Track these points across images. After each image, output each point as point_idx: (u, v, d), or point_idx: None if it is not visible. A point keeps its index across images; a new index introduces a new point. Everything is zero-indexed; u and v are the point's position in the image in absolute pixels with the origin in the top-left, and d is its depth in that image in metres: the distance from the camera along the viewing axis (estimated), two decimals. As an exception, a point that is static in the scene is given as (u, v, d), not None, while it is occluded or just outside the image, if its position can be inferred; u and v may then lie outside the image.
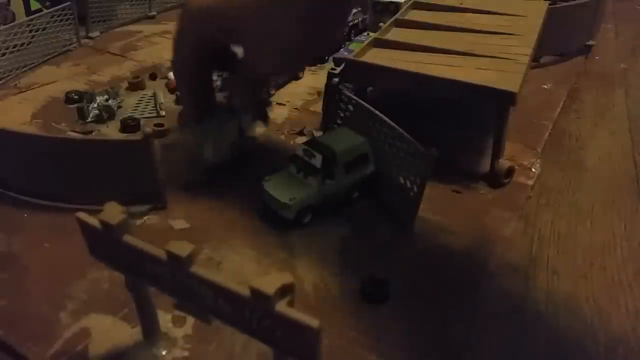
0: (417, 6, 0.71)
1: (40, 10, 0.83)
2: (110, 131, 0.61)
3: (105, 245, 0.31)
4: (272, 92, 0.67)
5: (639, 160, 0.60)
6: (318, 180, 0.47)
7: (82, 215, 0.31)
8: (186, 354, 0.36)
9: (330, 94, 0.56)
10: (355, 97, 0.53)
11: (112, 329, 0.38)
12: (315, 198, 0.47)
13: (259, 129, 0.59)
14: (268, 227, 0.48)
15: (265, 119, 0.59)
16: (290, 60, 0.51)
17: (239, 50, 0.52)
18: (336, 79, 0.54)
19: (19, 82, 0.73)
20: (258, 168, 0.55)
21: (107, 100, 0.65)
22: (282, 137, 0.61)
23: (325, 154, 0.47)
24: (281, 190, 0.47)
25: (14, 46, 0.74)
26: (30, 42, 0.77)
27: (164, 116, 0.65)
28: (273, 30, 0.46)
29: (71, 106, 0.66)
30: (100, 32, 0.88)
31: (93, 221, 0.31)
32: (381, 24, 0.66)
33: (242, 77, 0.52)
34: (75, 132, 0.61)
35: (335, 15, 0.49)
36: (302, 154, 0.48)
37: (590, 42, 0.85)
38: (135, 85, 0.70)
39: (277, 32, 0.46)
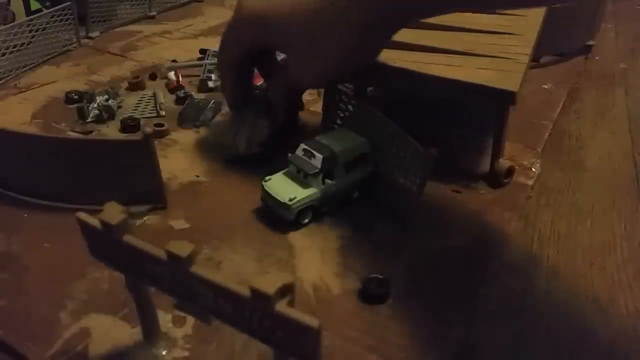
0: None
1: (40, 10, 0.83)
2: (110, 131, 0.61)
3: (106, 245, 0.31)
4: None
5: (639, 160, 0.60)
6: (318, 180, 0.47)
7: (82, 215, 0.31)
8: (186, 354, 0.36)
9: (331, 94, 0.56)
10: (356, 97, 0.53)
11: (112, 329, 0.38)
12: (315, 198, 0.47)
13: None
14: (268, 227, 0.48)
15: (295, 123, 0.62)
16: (330, 75, 0.52)
17: (281, 56, 0.55)
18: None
19: (19, 82, 0.73)
20: (258, 168, 0.55)
21: (107, 100, 0.65)
22: (282, 136, 0.61)
23: (325, 154, 0.47)
24: (281, 190, 0.47)
25: (14, 46, 0.74)
26: (30, 42, 0.77)
27: (164, 116, 0.65)
28: (317, 47, 0.48)
29: (71, 106, 0.66)
30: (100, 32, 0.88)
31: (93, 221, 0.31)
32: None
33: (280, 82, 0.55)
34: (75, 132, 0.61)
35: (379, 33, 0.49)
36: (302, 154, 0.48)
37: (590, 42, 0.85)
38: (135, 85, 0.70)
39: (321, 49, 0.48)
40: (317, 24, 0.47)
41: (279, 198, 0.46)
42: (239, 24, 0.52)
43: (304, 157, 0.48)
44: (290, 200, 0.46)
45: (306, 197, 0.47)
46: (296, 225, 0.47)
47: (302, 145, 0.49)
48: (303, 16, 0.47)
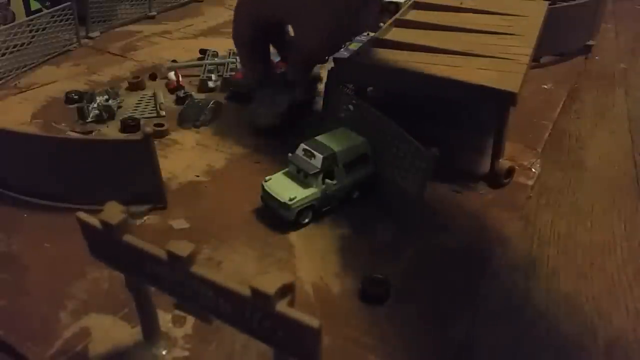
0: (417, 6, 0.70)
1: (40, 10, 0.83)
2: (110, 131, 0.61)
3: (106, 245, 0.31)
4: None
5: (639, 160, 0.60)
6: (318, 180, 0.47)
7: (82, 215, 0.31)
8: (186, 353, 0.36)
9: (331, 94, 0.56)
10: (356, 97, 0.53)
11: (112, 329, 0.38)
12: (315, 198, 0.47)
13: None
14: (268, 227, 0.48)
15: (314, 91, 0.66)
16: (332, 39, 0.58)
17: (290, 30, 0.60)
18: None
19: (19, 82, 0.73)
20: (258, 168, 0.55)
21: (107, 100, 0.65)
22: (282, 136, 0.61)
23: (325, 153, 0.47)
24: (281, 190, 0.47)
25: (14, 46, 0.74)
26: (30, 42, 0.77)
27: (164, 116, 0.65)
28: (318, 13, 0.55)
29: (71, 106, 0.66)
30: (100, 32, 0.88)
31: (93, 221, 0.31)
32: (381, 24, 0.66)
33: (292, 55, 0.61)
34: (75, 132, 0.61)
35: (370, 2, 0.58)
36: (302, 154, 0.48)
37: (590, 42, 0.85)
38: (135, 85, 0.70)
39: (321, 15, 0.55)
40: None
41: (279, 198, 0.46)
42: (247, 2, 0.58)
43: (304, 157, 0.48)
44: (290, 200, 0.46)
45: (306, 197, 0.47)
46: (296, 225, 0.47)
47: (302, 145, 0.49)
48: None
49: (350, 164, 0.49)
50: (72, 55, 0.81)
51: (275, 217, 0.47)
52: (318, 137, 0.50)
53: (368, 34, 0.82)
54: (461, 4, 0.70)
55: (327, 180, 0.48)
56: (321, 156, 0.47)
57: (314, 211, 0.48)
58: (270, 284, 0.25)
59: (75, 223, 0.32)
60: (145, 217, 0.48)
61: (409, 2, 0.71)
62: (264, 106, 0.60)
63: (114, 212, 0.30)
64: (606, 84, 0.78)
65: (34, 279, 0.42)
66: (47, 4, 0.84)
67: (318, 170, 0.47)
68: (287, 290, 0.26)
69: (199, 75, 0.72)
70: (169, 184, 0.52)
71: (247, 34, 0.59)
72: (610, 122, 0.68)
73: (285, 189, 0.47)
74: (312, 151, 0.48)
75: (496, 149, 0.54)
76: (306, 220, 0.48)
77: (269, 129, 0.60)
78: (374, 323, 0.39)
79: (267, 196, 0.48)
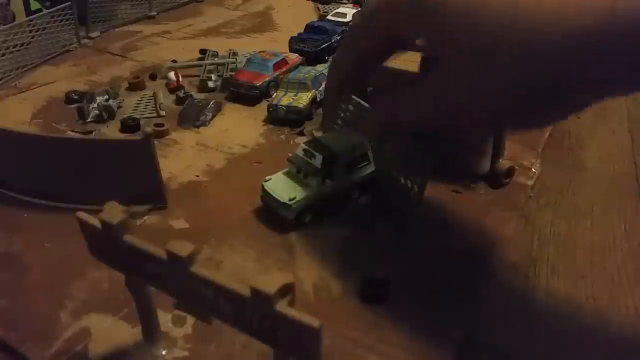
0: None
1: (40, 10, 0.83)
2: (110, 131, 0.61)
3: (106, 245, 0.31)
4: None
5: (639, 160, 0.60)
6: (318, 180, 0.47)
7: (82, 215, 0.31)
8: (186, 354, 0.36)
9: (330, 93, 0.56)
10: (356, 97, 0.53)
11: (112, 329, 0.38)
12: (315, 198, 0.47)
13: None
14: (268, 227, 0.48)
15: None
16: (496, 123, 0.35)
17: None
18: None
19: (19, 82, 0.73)
20: (258, 168, 0.55)
21: (107, 100, 0.65)
22: (282, 137, 0.61)
23: (325, 154, 0.47)
24: (281, 190, 0.47)
25: (14, 46, 0.74)
26: (30, 42, 0.77)
27: (164, 116, 0.65)
28: (499, 58, 0.30)
29: (71, 106, 0.66)
30: (100, 32, 0.88)
31: (93, 221, 0.31)
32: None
33: (381, 113, 0.41)
34: (75, 132, 0.61)
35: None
36: (302, 154, 0.48)
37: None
38: (135, 85, 0.70)
39: (502, 64, 0.30)
40: (520, 22, 0.29)
41: (279, 198, 0.46)
42: (376, 10, 0.37)
43: (304, 157, 0.48)
44: (291, 200, 0.46)
45: (306, 197, 0.47)
46: (296, 225, 0.47)
47: (302, 145, 0.49)
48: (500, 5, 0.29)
49: (350, 164, 0.49)
50: (72, 55, 0.81)
51: (276, 217, 0.47)
52: (318, 137, 0.50)
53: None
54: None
55: (327, 181, 0.48)
56: (321, 156, 0.47)
57: (314, 211, 0.48)
58: (270, 284, 0.25)
59: (75, 223, 0.32)
60: (145, 217, 0.48)
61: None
62: (284, 99, 0.61)
63: (114, 212, 0.30)
64: (606, 84, 0.78)
65: (34, 279, 0.42)
66: (47, 4, 0.84)
67: (318, 170, 0.47)
68: (287, 290, 0.26)
69: (199, 75, 0.72)
70: (169, 184, 0.52)
71: (360, 50, 0.40)
72: (610, 122, 0.68)
73: (285, 189, 0.47)
74: (312, 151, 0.48)
75: (496, 149, 0.54)
76: (306, 220, 0.48)
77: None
78: (374, 323, 0.39)
79: (267, 196, 0.48)
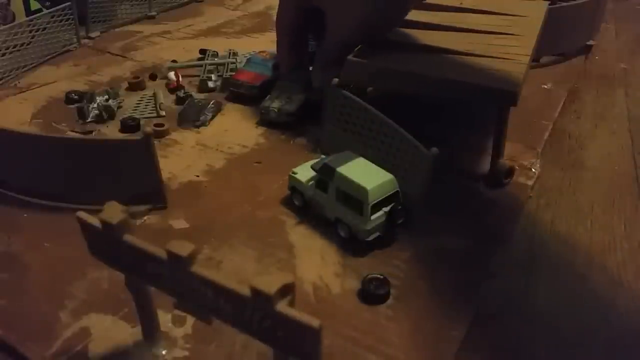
0: (417, 6, 0.70)
1: (40, 10, 0.82)
2: (110, 131, 0.61)
3: (106, 245, 0.31)
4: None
5: (639, 160, 0.60)
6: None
7: (82, 215, 0.31)
8: (186, 353, 0.36)
9: (331, 94, 0.56)
10: (356, 97, 0.53)
11: (112, 329, 0.38)
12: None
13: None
14: (268, 227, 0.48)
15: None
16: (364, 31, 0.59)
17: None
18: (336, 79, 0.54)
19: (19, 82, 0.72)
20: (258, 168, 0.55)
21: (107, 100, 0.65)
22: (282, 137, 0.61)
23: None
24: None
25: (14, 46, 0.74)
26: (30, 42, 0.77)
27: (164, 116, 0.65)
28: (350, 3, 0.57)
29: (71, 106, 0.66)
30: (100, 32, 0.88)
31: (93, 221, 0.31)
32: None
33: (325, 39, 0.62)
34: (75, 132, 0.61)
35: None
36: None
37: (590, 42, 0.85)
38: (135, 85, 0.70)
39: (353, 5, 0.57)
40: None
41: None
42: None
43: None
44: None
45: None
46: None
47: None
48: None
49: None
50: (72, 55, 0.81)
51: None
52: (338, 168, 0.45)
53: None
54: (461, 4, 0.70)
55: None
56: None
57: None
58: (270, 284, 0.25)
59: (75, 223, 0.32)
60: (145, 217, 0.48)
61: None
62: (277, 102, 0.62)
63: (114, 212, 0.30)
64: (606, 84, 0.78)
65: (34, 279, 0.42)
66: (47, 4, 0.84)
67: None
68: (287, 290, 0.26)
69: (199, 75, 0.72)
70: (169, 184, 0.52)
71: (288, 18, 0.63)
72: (610, 122, 0.68)
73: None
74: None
75: (496, 149, 0.54)
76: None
77: (280, 123, 0.62)
78: (374, 323, 0.39)
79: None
